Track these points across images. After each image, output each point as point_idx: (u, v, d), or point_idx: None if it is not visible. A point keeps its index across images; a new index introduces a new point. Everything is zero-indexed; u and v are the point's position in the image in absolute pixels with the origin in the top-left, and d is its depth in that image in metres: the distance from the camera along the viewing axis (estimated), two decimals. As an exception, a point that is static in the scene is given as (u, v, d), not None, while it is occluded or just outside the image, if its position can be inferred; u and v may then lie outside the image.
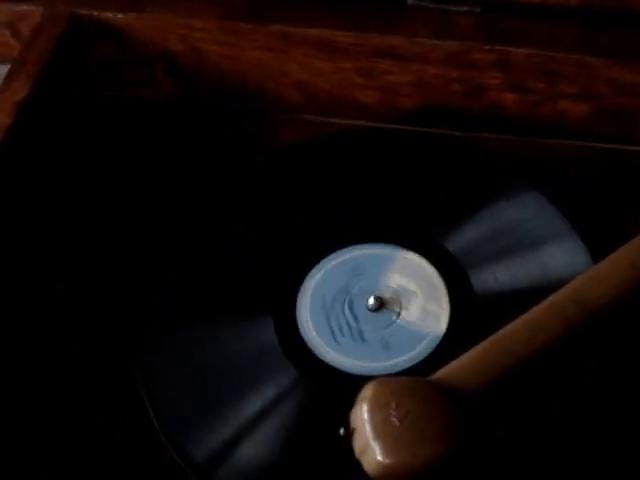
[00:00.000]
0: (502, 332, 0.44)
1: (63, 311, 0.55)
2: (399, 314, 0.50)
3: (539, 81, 0.59)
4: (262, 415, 0.47)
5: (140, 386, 0.49)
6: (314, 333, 0.49)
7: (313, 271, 0.52)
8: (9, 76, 0.57)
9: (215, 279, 0.53)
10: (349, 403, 0.43)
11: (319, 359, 0.49)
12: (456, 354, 0.45)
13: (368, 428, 0.41)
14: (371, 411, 0.41)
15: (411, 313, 0.50)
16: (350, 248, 0.52)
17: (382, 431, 0.40)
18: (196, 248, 0.54)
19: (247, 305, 0.51)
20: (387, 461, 0.40)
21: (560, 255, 0.51)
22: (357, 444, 0.41)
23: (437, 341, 0.49)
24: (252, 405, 0.47)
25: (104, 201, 0.60)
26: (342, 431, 0.42)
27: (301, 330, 0.50)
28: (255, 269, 0.53)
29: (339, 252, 0.52)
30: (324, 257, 0.52)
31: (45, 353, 0.53)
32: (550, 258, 0.51)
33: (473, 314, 0.50)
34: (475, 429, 0.42)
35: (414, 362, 0.48)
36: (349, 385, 0.46)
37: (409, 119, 0.62)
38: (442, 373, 0.43)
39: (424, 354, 0.48)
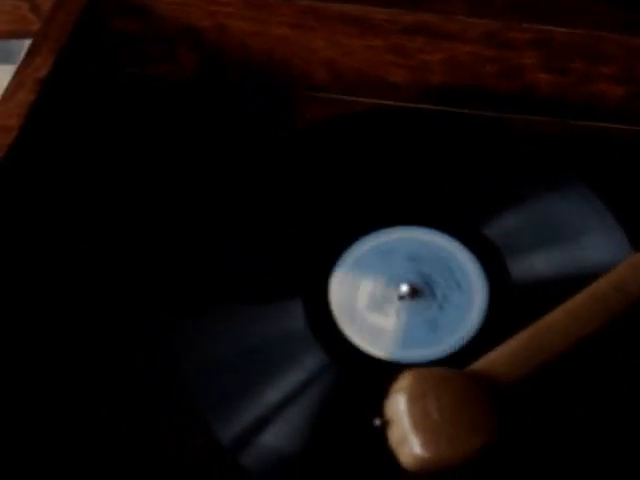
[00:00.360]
0: (541, 322, 0.43)
1: (89, 288, 0.55)
2: (434, 301, 0.49)
3: (577, 62, 0.58)
4: (290, 399, 0.47)
5: (168, 368, 0.49)
6: (345, 317, 0.49)
7: (344, 254, 0.51)
8: (31, 52, 0.56)
9: (244, 260, 0.52)
10: (380, 390, 0.42)
11: (350, 344, 0.48)
12: (493, 343, 0.44)
13: (406, 420, 0.40)
14: (409, 402, 0.40)
15: (446, 300, 0.49)
16: (384, 231, 0.52)
17: (421, 424, 0.40)
18: (224, 228, 0.54)
19: (277, 287, 0.51)
20: (426, 455, 0.39)
21: (600, 244, 0.50)
22: (393, 436, 0.41)
23: (473, 330, 0.48)
24: (280, 389, 0.47)
25: (126, 179, 0.60)
26: (377, 422, 0.41)
27: (332, 313, 0.49)
28: (284, 250, 0.52)
29: (372, 235, 0.51)
30: (356, 239, 0.51)
31: (70, 332, 0.53)
32: (590, 246, 0.50)
33: (510, 302, 0.49)
34: (512, 422, 0.41)
35: (449, 351, 0.47)
36: (380, 372, 0.46)
37: (438, 99, 0.61)
38: (480, 364, 0.42)
39: (460, 343, 0.47)
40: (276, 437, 0.46)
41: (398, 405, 0.40)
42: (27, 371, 0.51)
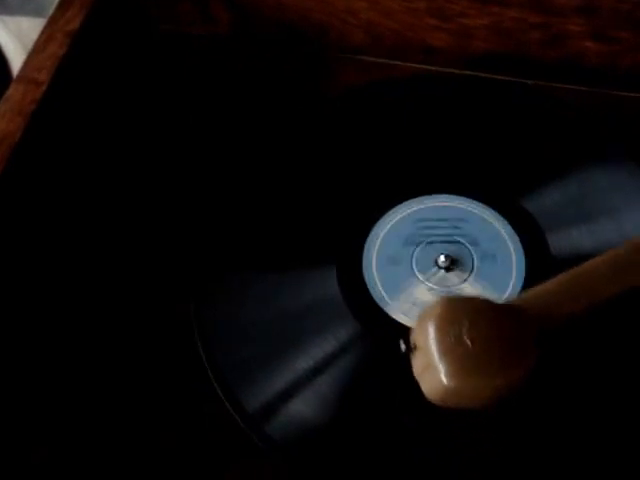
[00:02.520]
0: (584, 267, 0.43)
1: (116, 256, 0.55)
2: (471, 272, 0.48)
3: (624, 30, 0.57)
4: (320, 368, 0.47)
5: (195, 334, 0.48)
6: (379, 285, 0.48)
7: (381, 221, 0.51)
8: (61, 4, 0.57)
9: (278, 226, 0.52)
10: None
11: (383, 312, 0.47)
12: None
13: (434, 346, 0.39)
14: (439, 329, 0.39)
15: (483, 272, 0.48)
16: (421, 198, 0.51)
17: (450, 352, 0.39)
18: (256, 193, 0.54)
19: (311, 254, 0.51)
20: (451, 384, 0.38)
21: None
22: (418, 362, 0.40)
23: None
24: (310, 357, 0.47)
25: (156, 138, 0.60)
26: (403, 347, 0.41)
27: (366, 281, 0.49)
28: (320, 217, 0.52)
29: (409, 202, 0.51)
30: (392, 207, 0.51)
31: (98, 300, 0.54)
32: (634, 222, 0.50)
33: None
34: (546, 362, 0.40)
35: None
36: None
37: (480, 65, 0.61)
38: (519, 299, 0.42)
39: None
40: (304, 407, 0.46)
41: (427, 331, 0.39)
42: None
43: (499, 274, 0.48)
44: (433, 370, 0.38)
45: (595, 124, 0.54)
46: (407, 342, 0.41)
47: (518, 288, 0.47)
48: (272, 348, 0.47)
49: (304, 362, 0.47)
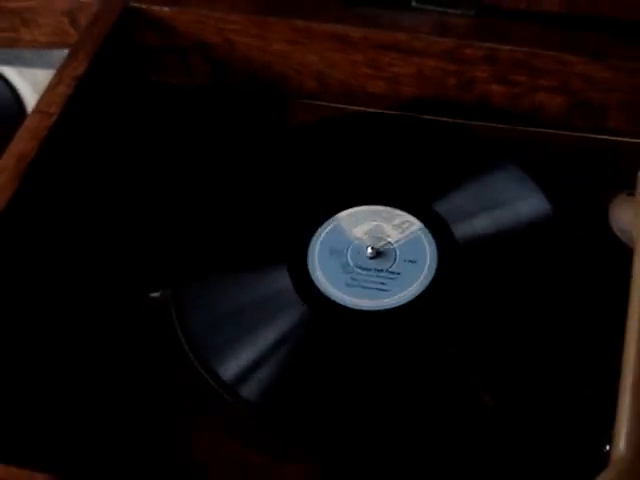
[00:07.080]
0: None
1: (94, 257, 0.60)
2: (395, 260, 0.57)
3: (521, 75, 0.64)
4: (279, 344, 0.54)
5: (176, 325, 0.55)
6: (322, 277, 0.57)
7: (322, 227, 0.59)
8: (70, 55, 0.64)
9: (239, 235, 0.60)
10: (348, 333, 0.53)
11: (326, 297, 0.55)
12: (443, 293, 0.54)
13: None
14: None
15: (404, 260, 0.56)
16: (355, 209, 0.60)
17: None
18: (225, 211, 0.61)
19: (266, 255, 0.58)
20: None
21: (526, 207, 0.58)
22: None
23: (427, 282, 0.55)
24: (271, 335, 0.54)
25: (142, 168, 0.66)
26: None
27: (311, 274, 0.57)
28: (273, 226, 0.60)
29: (342, 213, 0.60)
30: (331, 216, 0.59)
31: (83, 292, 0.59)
32: (518, 210, 0.58)
33: (456, 259, 0.56)
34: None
35: (408, 300, 0.55)
36: (350, 319, 0.54)
37: (410, 107, 0.67)
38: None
39: (416, 293, 0.55)
40: (268, 373, 0.53)
41: None
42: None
43: (418, 258, 0.56)
44: None
45: (492, 149, 0.62)
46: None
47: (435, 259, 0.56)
48: (241, 331, 0.54)
49: (267, 340, 0.54)
